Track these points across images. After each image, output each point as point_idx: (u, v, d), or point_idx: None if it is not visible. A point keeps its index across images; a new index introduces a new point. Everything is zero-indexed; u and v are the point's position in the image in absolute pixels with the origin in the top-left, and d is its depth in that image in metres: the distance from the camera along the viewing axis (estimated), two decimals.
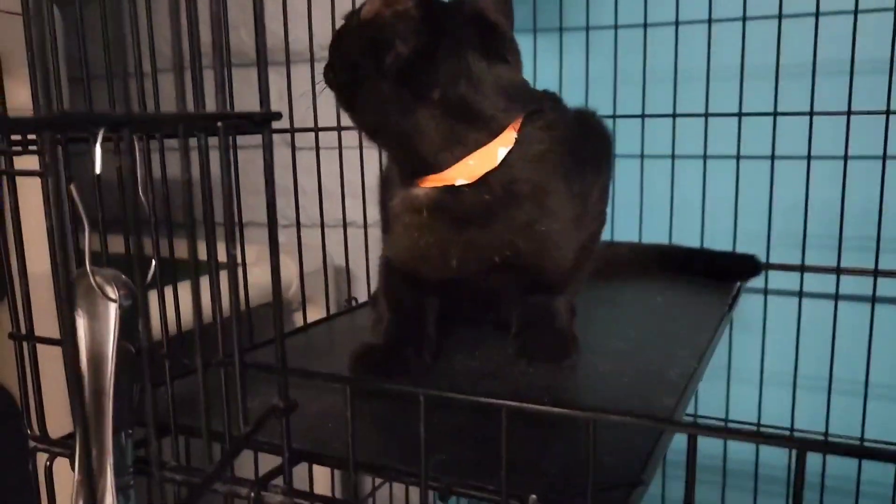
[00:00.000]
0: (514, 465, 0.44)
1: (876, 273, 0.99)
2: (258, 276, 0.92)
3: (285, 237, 1.22)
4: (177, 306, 0.62)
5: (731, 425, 1.12)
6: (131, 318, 0.48)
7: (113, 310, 0.47)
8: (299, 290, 0.90)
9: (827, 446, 0.35)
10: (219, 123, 0.38)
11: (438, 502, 0.44)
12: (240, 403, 0.43)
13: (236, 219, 0.43)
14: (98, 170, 0.43)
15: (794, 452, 0.32)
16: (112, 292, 0.46)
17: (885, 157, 0.98)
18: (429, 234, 0.61)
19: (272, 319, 0.45)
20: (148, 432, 0.36)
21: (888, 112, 0.96)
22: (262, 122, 0.41)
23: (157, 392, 0.58)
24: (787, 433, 1.09)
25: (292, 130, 0.79)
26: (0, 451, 0.88)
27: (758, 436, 0.45)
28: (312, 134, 0.85)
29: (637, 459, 0.46)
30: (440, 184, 0.59)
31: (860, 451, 0.38)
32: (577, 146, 0.64)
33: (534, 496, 0.41)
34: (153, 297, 0.54)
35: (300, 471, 0.52)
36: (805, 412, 1.09)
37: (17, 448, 0.77)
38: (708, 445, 1.16)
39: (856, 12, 0.96)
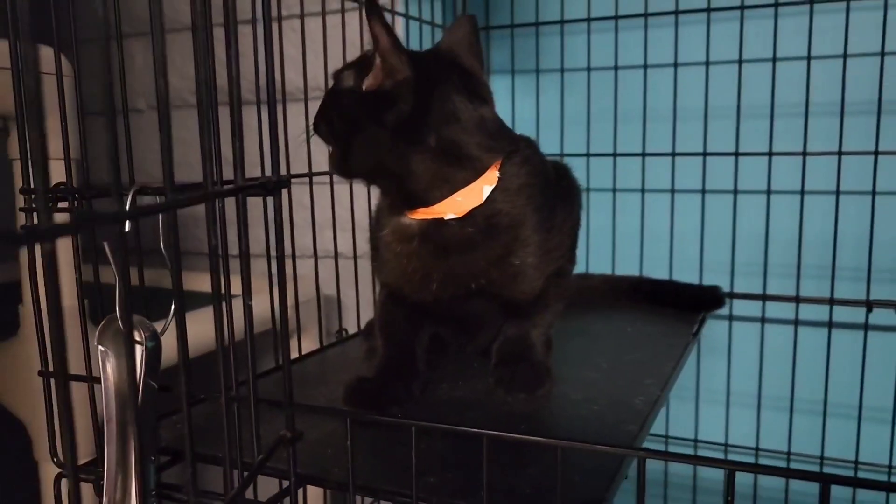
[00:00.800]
0: (494, 487, 0.50)
1: (832, 301, 1.07)
2: (257, 306, 0.98)
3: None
4: (183, 339, 0.68)
5: (699, 444, 1.19)
6: (154, 358, 0.54)
7: (139, 351, 0.53)
8: (294, 320, 0.96)
9: (756, 467, 0.42)
10: (238, 195, 0.44)
11: None
12: (254, 435, 0.49)
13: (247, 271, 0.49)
14: (127, 227, 0.50)
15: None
16: (138, 336, 0.53)
17: (838, 193, 1.06)
18: (416, 261, 0.68)
19: (272, 346, 0.51)
20: (185, 461, 0.42)
21: (840, 153, 1.04)
22: (274, 187, 0.48)
23: (172, 421, 0.65)
24: (753, 450, 1.17)
25: (288, 177, 0.85)
26: (10, 476, 0.93)
27: (695, 458, 0.51)
28: (304, 163, 0.90)
29: (603, 479, 0.52)
30: (430, 216, 0.66)
31: (786, 472, 0.45)
32: (551, 184, 0.72)
33: None
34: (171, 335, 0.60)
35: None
36: (769, 431, 1.16)
37: (23, 473, 0.83)
38: (679, 466, 1.23)
39: (809, 58, 1.04)
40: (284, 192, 0.49)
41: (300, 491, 0.69)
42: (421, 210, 0.67)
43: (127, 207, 0.49)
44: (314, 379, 0.77)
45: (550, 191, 0.71)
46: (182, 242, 0.71)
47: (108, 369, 0.52)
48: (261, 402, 0.51)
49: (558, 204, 0.72)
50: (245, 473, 0.50)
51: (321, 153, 0.92)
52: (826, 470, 1.13)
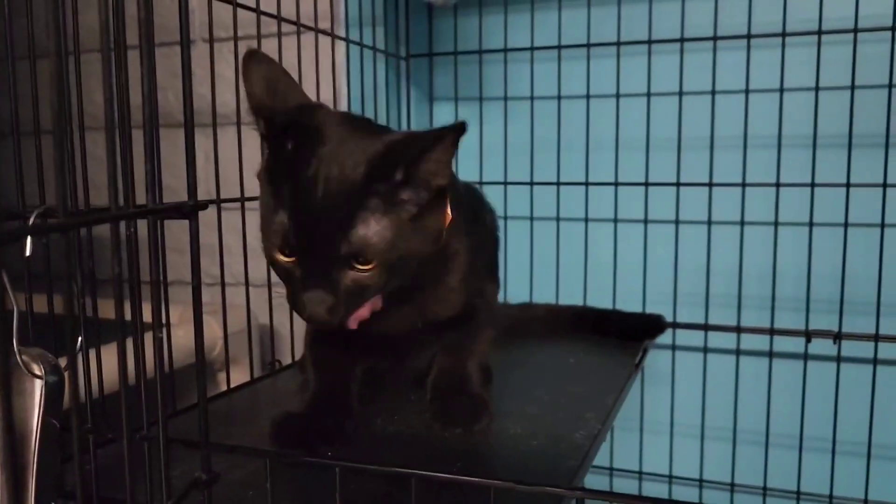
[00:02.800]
0: None
1: (772, 332, 1.07)
2: (181, 338, 0.93)
3: (209, 296, 1.24)
4: (100, 373, 0.63)
5: (644, 476, 1.18)
6: (56, 395, 0.50)
7: (39, 386, 0.48)
8: (223, 351, 0.91)
9: None
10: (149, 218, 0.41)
11: None
12: (162, 478, 0.45)
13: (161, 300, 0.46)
14: (28, 252, 0.46)
15: None
16: (38, 370, 0.48)
17: (776, 224, 1.07)
18: None
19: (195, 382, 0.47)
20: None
21: (778, 185, 1.05)
22: (191, 211, 0.44)
23: (80, 463, 0.60)
24: (697, 481, 1.16)
25: (218, 201, 0.81)
26: None
27: (636, 498, 0.48)
28: (237, 189, 0.87)
29: None
30: None
31: None
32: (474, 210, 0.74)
33: None
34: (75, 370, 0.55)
35: None
36: (713, 462, 1.16)
37: None
38: None
39: (714, 92, 1.05)
40: (212, 216, 0.46)
41: None
42: None
43: (31, 222, 0.45)
44: (242, 414, 0.73)
45: (471, 210, 0.73)
46: (100, 269, 0.66)
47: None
48: (173, 443, 0.47)
49: (477, 223, 0.74)
50: None
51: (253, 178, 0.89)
52: (769, 501, 1.12)
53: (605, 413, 0.70)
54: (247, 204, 0.87)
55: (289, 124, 0.58)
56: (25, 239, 0.44)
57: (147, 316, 0.44)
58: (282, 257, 0.57)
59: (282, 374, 0.88)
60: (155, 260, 0.43)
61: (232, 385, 0.81)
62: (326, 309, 0.56)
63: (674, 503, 0.38)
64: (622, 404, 0.77)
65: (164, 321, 0.45)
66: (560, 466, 0.59)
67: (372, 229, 0.55)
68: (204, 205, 0.45)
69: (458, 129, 0.54)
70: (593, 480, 1.24)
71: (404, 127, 1.25)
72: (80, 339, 0.51)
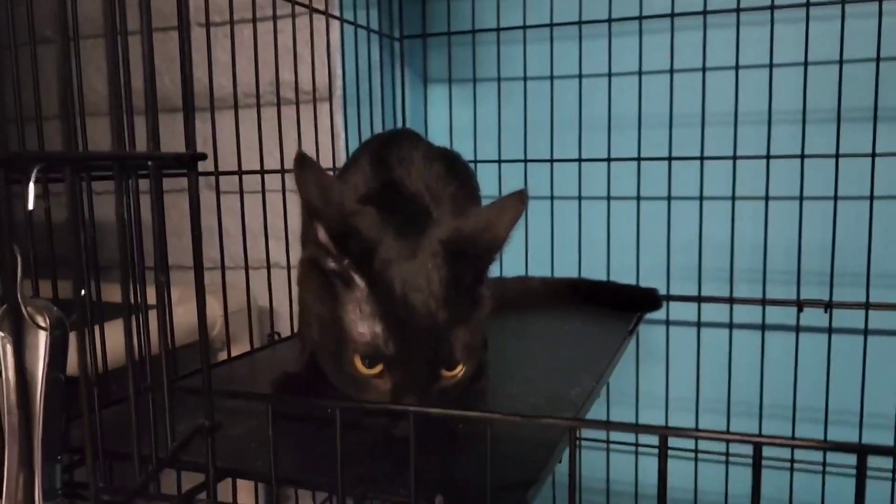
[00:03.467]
0: (424, 476, 0.48)
1: (764, 302, 1.09)
2: (182, 315, 0.94)
3: (209, 278, 1.24)
4: (103, 344, 0.65)
5: (640, 448, 1.19)
6: (61, 348, 0.51)
7: (43, 339, 0.49)
8: (224, 330, 0.92)
9: (690, 431, 0.41)
10: (149, 162, 0.42)
11: None
12: (167, 421, 0.46)
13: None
14: (31, 206, 0.47)
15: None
16: (42, 321, 0.49)
17: (767, 198, 1.08)
18: None
19: (198, 355, 0.48)
20: (87, 454, 0.39)
21: (768, 157, 1.06)
22: (189, 161, 0.45)
23: (86, 418, 0.61)
24: (692, 452, 1.17)
25: (217, 174, 0.83)
26: None
27: (630, 426, 0.49)
28: (236, 178, 0.88)
29: (535, 466, 0.50)
30: None
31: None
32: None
33: (440, 497, 0.45)
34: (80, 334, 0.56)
35: (225, 492, 0.55)
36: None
37: None
38: (621, 472, 1.23)
39: (704, 69, 1.07)
40: (210, 200, 0.47)
41: (229, 489, 0.65)
42: None
43: (32, 180, 0.46)
44: (242, 379, 0.74)
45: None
46: (102, 252, 0.67)
47: (9, 358, 0.49)
48: (177, 390, 0.48)
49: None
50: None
51: (252, 158, 0.91)
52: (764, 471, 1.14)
53: (599, 373, 0.72)
54: (245, 188, 0.88)
55: (348, 233, 0.56)
56: (28, 187, 0.45)
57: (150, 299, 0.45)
58: (364, 369, 0.54)
59: (281, 344, 0.89)
60: (157, 210, 0.45)
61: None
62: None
63: (667, 429, 0.39)
64: (616, 366, 0.78)
65: (164, 275, 0.46)
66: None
67: (461, 338, 0.55)
68: (203, 155, 0.47)
69: (523, 198, 0.58)
70: (591, 455, 1.26)
71: (398, 109, 1.26)
72: (82, 291, 0.52)
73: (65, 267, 0.50)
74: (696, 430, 0.37)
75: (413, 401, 0.51)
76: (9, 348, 0.48)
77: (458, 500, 0.46)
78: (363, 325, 0.53)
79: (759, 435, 0.36)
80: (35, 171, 0.47)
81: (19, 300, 0.48)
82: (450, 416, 0.43)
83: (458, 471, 0.51)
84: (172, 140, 0.53)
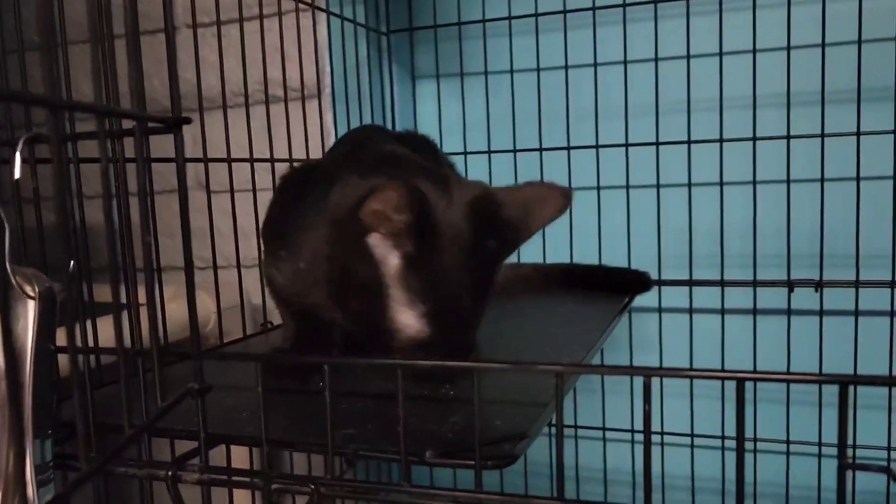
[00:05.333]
0: (414, 434, 0.48)
1: (755, 283, 1.09)
2: (175, 311, 0.94)
3: (202, 278, 1.24)
4: (94, 322, 0.65)
5: (636, 433, 1.19)
6: (50, 318, 0.51)
7: (32, 307, 0.49)
8: (216, 326, 0.92)
9: (672, 371, 0.41)
10: (134, 124, 0.42)
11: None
12: (157, 386, 0.46)
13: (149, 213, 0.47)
14: (17, 174, 0.47)
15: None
16: (31, 290, 0.49)
17: (755, 182, 1.09)
18: None
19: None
20: (78, 424, 0.39)
21: (754, 139, 1.07)
22: (174, 124, 0.46)
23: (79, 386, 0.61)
24: (689, 436, 1.17)
25: (205, 160, 0.83)
26: None
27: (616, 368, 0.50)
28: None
29: (525, 422, 0.51)
30: None
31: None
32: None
33: (430, 451, 0.45)
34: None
35: (218, 458, 0.55)
36: (703, 419, 1.17)
37: None
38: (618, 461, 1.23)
39: (721, 55, 1.08)
40: (202, 201, 0.47)
41: (224, 459, 0.65)
42: None
43: (19, 146, 0.46)
44: (235, 363, 0.74)
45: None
46: (94, 258, 0.67)
47: None
48: (166, 355, 0.48)
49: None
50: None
51: (241, 148, 0.91)
52: (759, 455, 1.14)
53: (591, 345, 0.72)
54: (235, 186, 0.88)
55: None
56: (14, 155, 0.45)
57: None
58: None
59: (273, 332, 0.89)
60: (144, 171, 0.45)
61: None
62: None
63: (648, 369, 0.39)
64: (607, 339, 0.79)
65: (150, 235, 0.46)
66: (545, 385, 0.60)
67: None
68: (187, 119, 0.47)
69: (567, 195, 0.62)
70: (587, 442, 1.25)
71: (388, 105, 1.27)
72: (72, 262, 0.52)
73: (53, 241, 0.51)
74: (683, 369, 0.37)
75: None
76: None
77: (448, 454, 0.46)
78: (411, 311, 0.56)
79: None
80: (21, 141, 0.48)
81: (7, 268, 0.48)
82: (440, 367, 0.43)
83: (447, 427, 0.51)
84: (162, 140, 0.53)
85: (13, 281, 0.48)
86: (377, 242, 0.56)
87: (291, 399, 0.58)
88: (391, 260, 0.56)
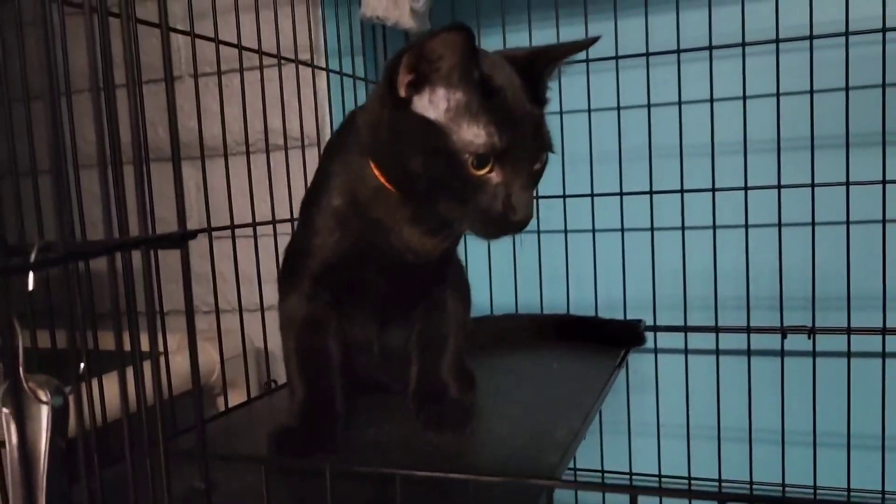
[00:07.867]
0: None
1: (749, 330, 1.11)
2: (180, 364, 0.96)
3: (206, 323, 1.27)
4: (102, 400, 0.67)
5: (635, 477, 1.21)
6: (61, 418, 0.53)
7: (45, 411, 0.52)
8: (220, 376, 0.94)
9: (659, 490, 0.43)
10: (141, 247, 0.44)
11: None
12: (165, 492, 0.48)
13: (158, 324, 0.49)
14: (31, 287, 0.49)
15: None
16: (44, 395, 0.52)
17: (747, 227, 1.12)
18: (391, 224, 0.71)
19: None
20: None
21: (746, 188, 1.09)
22: (180, 239, 0.48)
23: (87, 482, 0.63)
24: (686, 479, 1.19)
25: (210, 230, 0.85)
26: None
27: (600, 486, 0.52)
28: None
29: None
30: None
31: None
32: None
33: None
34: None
35: None
36: (700, 460, 1.19)
37: None
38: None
39: (680, 103, 1.10)
40: (205, 246, 0.49)
41: None
42: None
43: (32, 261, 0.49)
44: (240, 431, 0.76)
45: None
46: (99, 304, 0.69)
47: (13, 434, 0.51)
48: (173, 455, 0.50)
49: None
50: None
51: (244, 205, 0.93)
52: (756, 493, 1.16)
53: (585, 412, 0.74)
54: (238, 231, 0.90)
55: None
56: (28, 273, 0.47)
57: (145, 345, 0.48)
58: (475, 171, 0.61)
59: (277, 393, 0.91)
60: (149, 287, 0.47)
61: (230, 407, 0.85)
62: (532, 209, 0.63)
63: (635, 489, 0.41)
64: (602, 403, 0.80)
65: (161, 347, 0.48)
66: (542, 462, 0.63)
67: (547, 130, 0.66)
68: (192, 234, 0.49)
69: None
70: (583, 481, 1.27)
71: None
72: (82, 365, 0.54)
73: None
74: (661, 489, 0.39)
75: (528, 193, 0.62)
76: (12, 424, 0.50)
77: None
78: (474, 128, 0.61)
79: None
80: (33, 252, 0.50)
81: (21, 378, 0.50)
82: (434, 479, 0.46)
83: None
84: (167, 187, 0.55)
85: (26, 388, 0.51)
86: (424, 104, 0.62)
87: (296, 482, 0.60)
88: (441, 105, 0.62)
